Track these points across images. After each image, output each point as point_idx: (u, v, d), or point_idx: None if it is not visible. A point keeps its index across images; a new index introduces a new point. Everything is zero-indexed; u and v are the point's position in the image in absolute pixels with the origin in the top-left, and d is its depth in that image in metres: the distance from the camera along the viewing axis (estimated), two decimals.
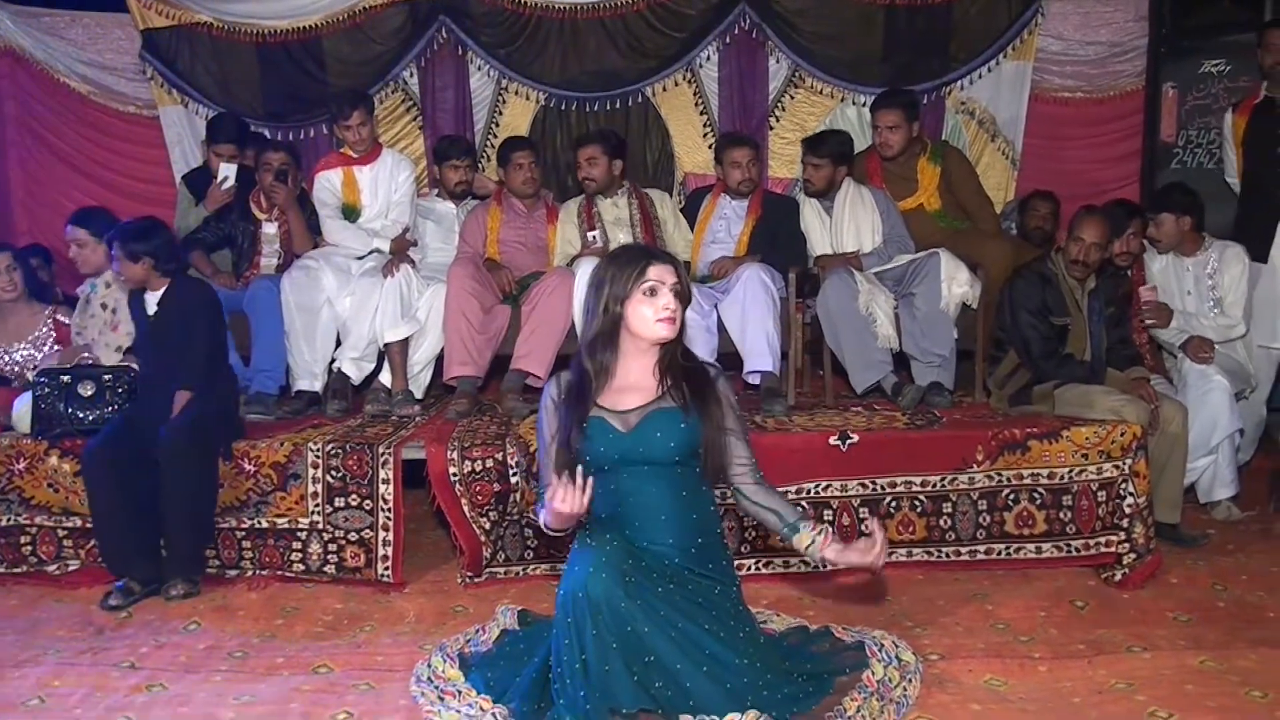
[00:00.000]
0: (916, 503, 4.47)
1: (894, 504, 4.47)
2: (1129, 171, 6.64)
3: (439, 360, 5.38)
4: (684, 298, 3.12)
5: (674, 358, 3.16)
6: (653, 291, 3.07)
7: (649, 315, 3.07)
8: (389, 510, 4.45)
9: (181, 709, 3.34)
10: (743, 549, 4.42)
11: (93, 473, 4.32)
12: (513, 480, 4.40)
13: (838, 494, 4.44)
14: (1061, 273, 4.86)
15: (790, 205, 5.77)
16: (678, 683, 2.90)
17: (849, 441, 4.45)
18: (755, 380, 5.09)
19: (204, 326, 4.66)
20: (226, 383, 4.79)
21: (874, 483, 4.46)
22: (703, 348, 4.95)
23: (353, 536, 4.46)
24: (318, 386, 5.35)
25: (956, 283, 5.23)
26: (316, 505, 4.48)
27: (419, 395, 5.38)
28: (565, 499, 2.91)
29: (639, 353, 3.15)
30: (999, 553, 4.48)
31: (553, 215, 5.78)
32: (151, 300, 4.67)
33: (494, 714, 3.07)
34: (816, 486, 4.43)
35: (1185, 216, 5.30)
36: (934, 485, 4.47)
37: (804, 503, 4.41)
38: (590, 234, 5.60)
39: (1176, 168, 6.33)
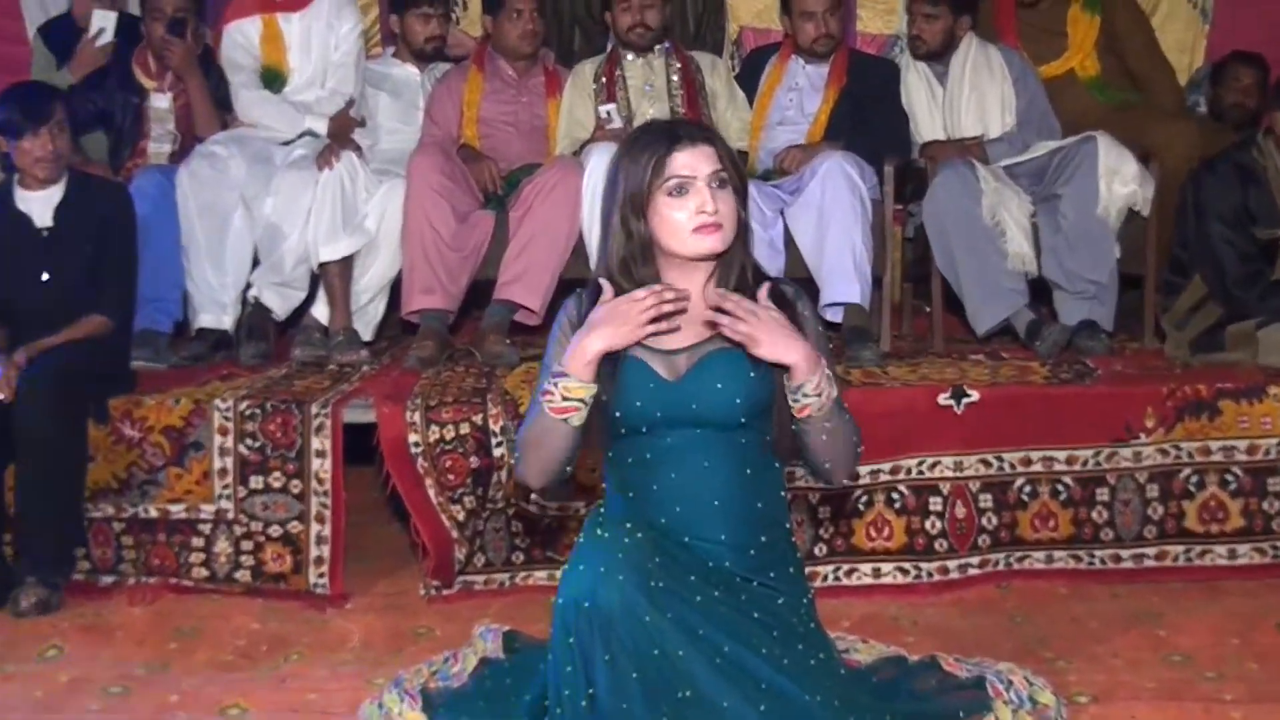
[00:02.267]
0: (1060, 488, 4.47)
1: (1028, 489, 4.47)
2: None
3: (395, 288, 5.39)
4: (738, 188, 3.07)
5: (741, 275, 3.12)
6: (681, 189, 3.02)
7: (681, 222, 3.01)
8: (325, 494, 4.47)
9: None
10: (817, 551, 4.43)
11: None
12: (497, 453, 4.41)
13: (949, 474, 4.44)
14: (1272, 165, 4.82)
15: (887, 72, 5.75)
16: None
17: (965, 401, 4.45)
18: (836, 316, 5.08)
19: (128, 241, 4.79)
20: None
21: (1000, 459, 4.46)
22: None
23: (275, 531, 4.47)
24: (227, 323, 5.37)
25: (1120, 180, 5.19)
26: (225, 487, 4.49)
27: (367, 336, 5.39)
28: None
29: (685, 270, 3.10)
30: (1176, 557, 4.50)
31: (554, 84, 5.75)
32: (40, 204, 4.67)
33: None
34: (918, 464, 4.44)
35: None
36: (1085, 463, 4.47)
37: (902, 486, 4.43)
38: (604, 108, 5.58)
39: None
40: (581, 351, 2.91)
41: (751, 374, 3.01)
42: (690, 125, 3.16)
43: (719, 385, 3.01)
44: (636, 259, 3.06)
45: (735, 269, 3.09)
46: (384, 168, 5.48)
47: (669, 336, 3.04)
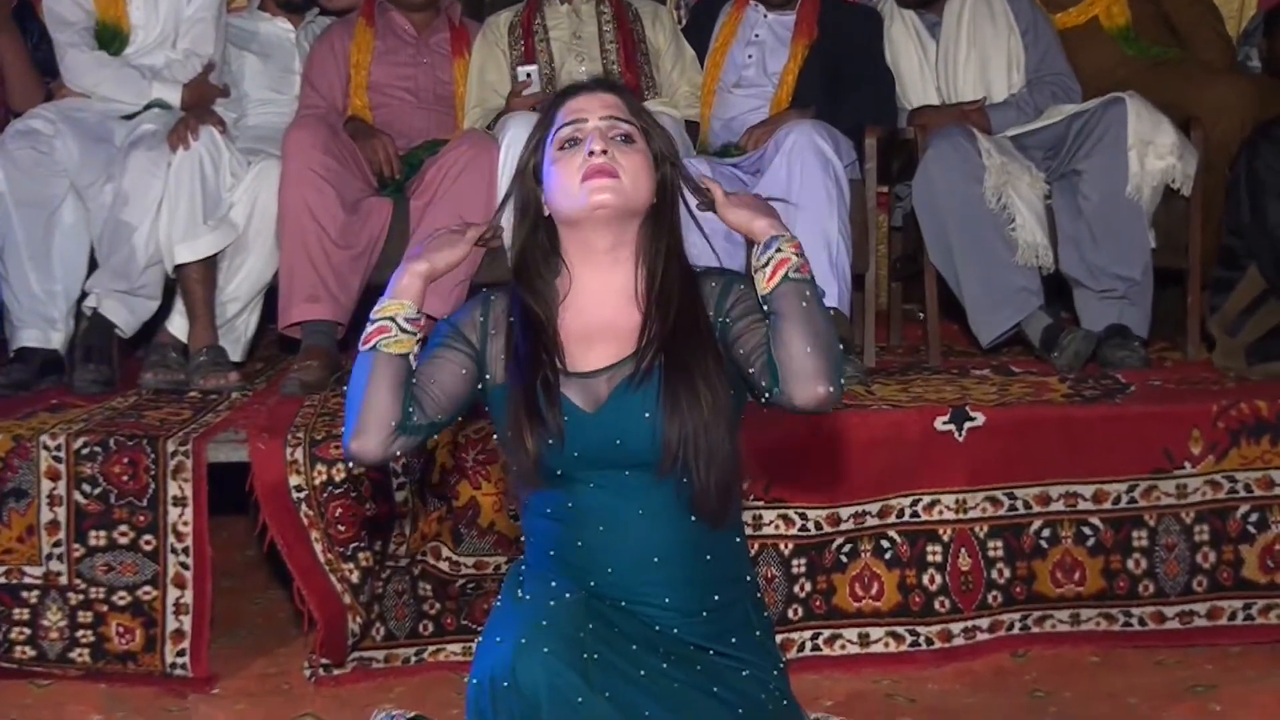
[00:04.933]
0: (1086, 531, 4.51)
1: (1047, 533, 4.51)
2: None
3: (270, 296, 5.41)
4: (657, 156, 3.06)
5: (668, 273, 3.12)
6: (572, 141, 3.06)
7: (569, 172, 2.99)
8: (186, 552, 4.45)
9: None
10: (791, 613, 4.47)
11: None
12: (399, 497, 4.42)
13: (950, 516, 4.48)
14: None
15: (868, 22, 5.79)
16: None
17: (968, 425, 4.49)
18: None
19: None
20: None
21: (1012, 497, 4.50)
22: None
23: (122, 599, 4.46)
24: (57, 341, 5.34)
25: (1155, 152, 5.24)
26: (56, 545, 4.47)
27: (237, 356, 5.41)
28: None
29: (599, 266, 3.12)
30: (1233, 615, 4.54)
31: (461, 40, 5.79)
32: None
33: None
34: (913, 504, 4.47)
35: None
36: (1117, 500, 4.52)
37: (893, 532, 4.46)
38: (522, 69, 5.61)
39: None
40: (399, 272, 2.97)
41: (646, 414, 2.97)
42: (592, 81, 3.16)
43: (646, 414, 2.97)
44: (539, 250, 3.10)
45: (661, 256, 3.07)
46: (253, 146, 5.49)
47: (588, 355, 3.04)
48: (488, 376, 3.04)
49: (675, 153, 3.11)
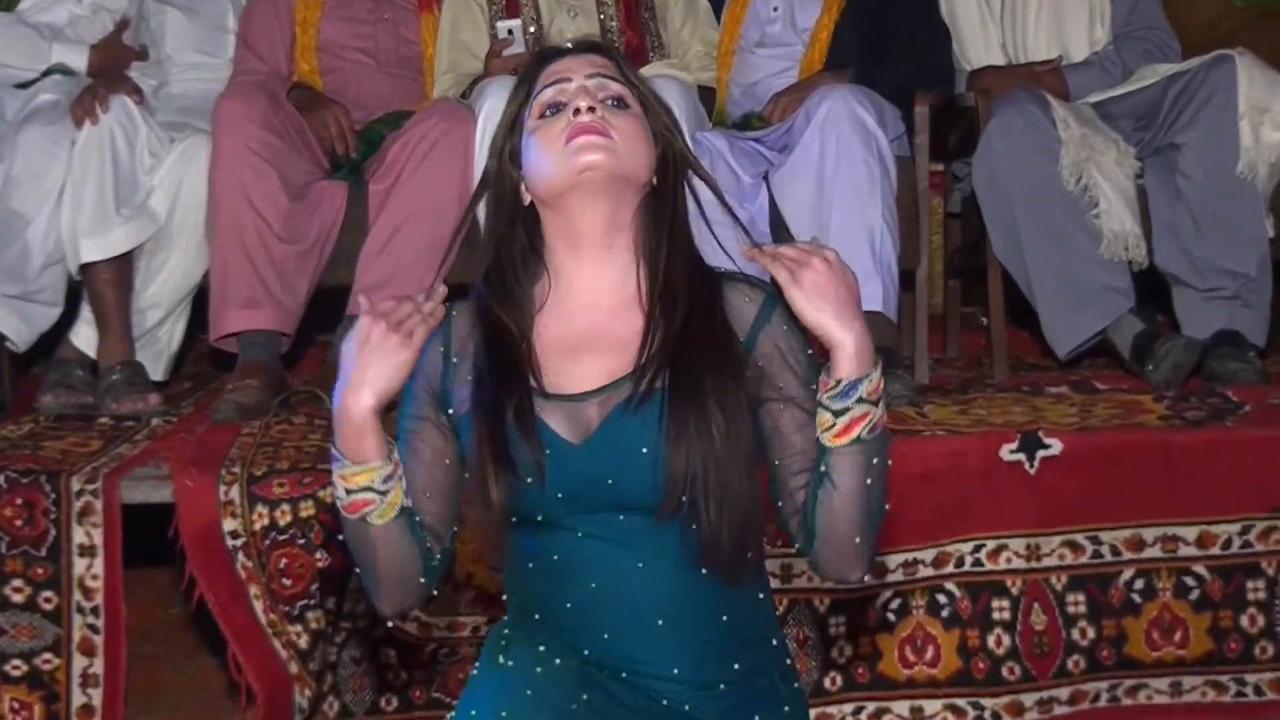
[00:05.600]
0: (1189, 582, 4.52)
1: (1140, 585, 4.52)
2: None
3: (199, 300, 5.43)
4: (651, 112, 3.03)
5: (673, 267, 3.11)
6: (554, 107, 3.05)
7: (553, 137, 2.95)
8: (96, 612, 4.46)
9: None
10: (828, 683, 4.48)
11: None
12: None
13: (1021, 565, 4.48)
14: None
15: None
16: None
17: (1043, 454, 4.49)
18: None
19: None
20: None
21: (1096, 541, 4.50)
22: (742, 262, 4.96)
23: (15, 668, 4.46)
24: None
25: (1272, 120, 5.26)
26: None
27: (159, 374, 5.43)
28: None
29: (589, 259, 3.11)
30: None
31: None
32: None
33: None
34: (975, 550, 4.49)
35: None
36: (1227, 544, 4.53)
37: (951, 584, 4.46)
38: (502, 25, 5.62)
39: None
40: (342, 416, 2.83)
41: (644, 449, 2.92)
42: (576, 42, 3.12)
43: (644, 449, 2.92)
44: (518, 250, 3.08)
45: (663, 248, 3.03)
46: (178, 120, 5.52)
47: (575, 372, 3.00)
48: (451, 411, 3.00)
49: (678, 128, 3.09)
